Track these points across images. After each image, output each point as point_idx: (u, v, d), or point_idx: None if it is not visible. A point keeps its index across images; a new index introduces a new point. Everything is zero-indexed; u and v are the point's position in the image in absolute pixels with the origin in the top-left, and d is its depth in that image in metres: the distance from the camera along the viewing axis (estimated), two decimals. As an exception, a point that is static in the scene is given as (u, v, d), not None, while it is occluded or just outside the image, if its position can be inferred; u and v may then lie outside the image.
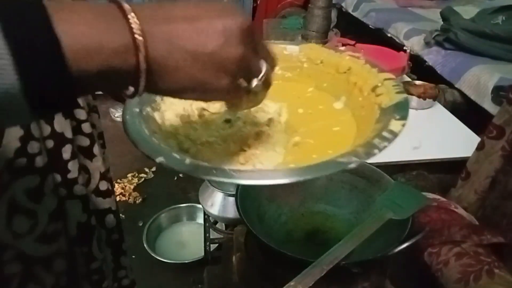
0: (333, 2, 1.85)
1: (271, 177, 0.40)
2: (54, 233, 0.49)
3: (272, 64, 0.39)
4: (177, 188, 2.14)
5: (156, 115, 0.48)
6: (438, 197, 0.86)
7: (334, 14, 2.07)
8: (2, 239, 0.45)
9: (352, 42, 1.50)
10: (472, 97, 1.25)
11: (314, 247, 0.70)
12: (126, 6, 0.29)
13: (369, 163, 0.76)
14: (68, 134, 0.51)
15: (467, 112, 1.28)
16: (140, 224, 1.87)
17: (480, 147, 0.84)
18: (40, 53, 0.25)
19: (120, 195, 2.05)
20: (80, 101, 0.54)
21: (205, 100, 0.39)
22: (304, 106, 0.57)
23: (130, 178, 2.17)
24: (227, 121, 0.51)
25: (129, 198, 2.04)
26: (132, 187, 2.11)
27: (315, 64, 0.61)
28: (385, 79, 0.52)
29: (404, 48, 1.43)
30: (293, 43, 0.63)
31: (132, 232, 1.82)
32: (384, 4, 1.99)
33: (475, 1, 1.92)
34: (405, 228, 0.61)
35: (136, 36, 0.28)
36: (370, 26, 1.89)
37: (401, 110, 0.46)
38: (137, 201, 2.03)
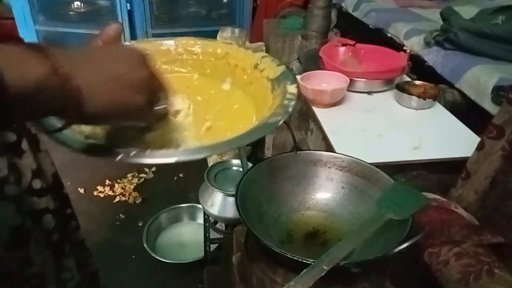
0: (333, 2, 1.85)
1: (214, 149, 0.45)
2: None
3: (166, 95, 0.47)
4: (177, 188, 2.14)
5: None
6: (438, 197, 0.86)
7: (334, 14, 2.07)
8: None
9: (352, 42, 1.50)
10: (472, 97, 1.24)
11: (314, 247, 0.70)
12: (47, 47, 0.36)
13: (369, 163, 0.76)
14: None
15: (467, 112, 1.28)
16: (140, 224, 1.87)
17: (480, 147, 0.84)
18: None
19: (120, 195, 2.05)
20: None
21: (124, 123, 0.46)
22: (198, 93, 0.61)
23: (130, 178, 2.17)
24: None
25: (129, 198, 2.04)
26: (132, 187, 2.11)
27: (193, 54, 0.65)
28: (262, 57, 0.61)
29: (404, 48, 1.43)
30: (167, 38, 0.66)
31: (132, 232, 1.82)
32: (384, 4, 1.99)
33: (475, 1, 1.92)
34: (405, 228, 0.61)
35: (56, 66, 0.35)
36: (370, 26, 1.89)
37: (288, 77, 0.55)
38: (137, 201, 2.03)
